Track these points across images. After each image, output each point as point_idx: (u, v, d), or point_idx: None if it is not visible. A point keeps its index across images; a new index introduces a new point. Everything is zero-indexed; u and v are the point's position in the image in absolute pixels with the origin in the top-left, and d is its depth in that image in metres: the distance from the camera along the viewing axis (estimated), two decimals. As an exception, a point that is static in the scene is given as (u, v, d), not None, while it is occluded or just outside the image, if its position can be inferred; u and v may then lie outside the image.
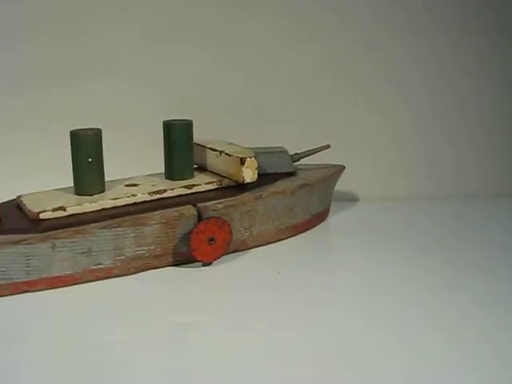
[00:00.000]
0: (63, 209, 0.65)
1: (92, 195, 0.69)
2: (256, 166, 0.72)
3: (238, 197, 0.72)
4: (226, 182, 0.74)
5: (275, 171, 0.80)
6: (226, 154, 0.74)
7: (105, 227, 0.64)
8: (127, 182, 0.74)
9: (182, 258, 0.69)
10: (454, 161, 0.97)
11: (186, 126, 0.74)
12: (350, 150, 0.93)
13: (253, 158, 0.72)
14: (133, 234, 0.66)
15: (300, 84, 0.92)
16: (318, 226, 0.83)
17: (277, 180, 0.78)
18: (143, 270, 0.67)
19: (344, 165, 0.87)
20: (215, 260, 0.69)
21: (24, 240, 0.61)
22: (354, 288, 0.64)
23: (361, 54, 0.93)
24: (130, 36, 0.88)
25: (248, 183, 0.73)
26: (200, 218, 0.68)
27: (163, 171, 0.76)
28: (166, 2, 0.88)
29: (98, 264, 0.65)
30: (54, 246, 0.62)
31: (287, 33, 0.91)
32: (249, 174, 0.72)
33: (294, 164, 0.82)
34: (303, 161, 0.85)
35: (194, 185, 0.72)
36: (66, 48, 0.86)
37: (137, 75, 0.89)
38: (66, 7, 0.85)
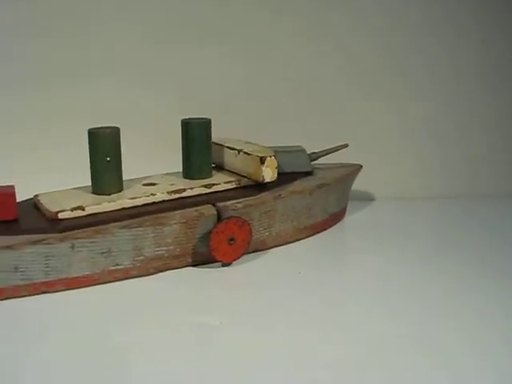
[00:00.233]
0: (82, 208, 0.64)
1: (110, 194, 0.68)
2: (276, 165, 0.71)
3: (257, 196, 0.71)
4: (244, 182, 0.73)
5: (293, 170, 0.79)
6: (245, 152, 0.73)
7: (125, 227, 0.63)
8: (145, 181, 0.73)
9: (201, 259, 0.68)
10: (469, 160, 0.96)
11: (205, 125, 0.73)
12: (365, 149, 0.92)
13: (273, 157, 0.71)
14: (152, 234, 0.65)
15: (316, 83, 0.91)
16: (335, 226, 0.82)
17: (295, 179, 0.77)
18: (162, 271, 0.67)
19: (362, 164, 0.86)
20: (235, 260, 0.68)
21: (43, 240, 0.60)
22: (372, 288, 0.63)
23: (377, 54, 0.92)
24: (148, 35, 0.87)
25: (267, 183, 0.72)
26: (219, 217, 0.68)
27: (179, 170, 0.76)
28: (181, 0, 0.87)
29: (117, 264, 0.64)
30: (73, 246, 0.61)
31: (304, 32, 0.90)
32: (269, 174, 0.71)
33: (312, 163, 0.81)
34: (319, 160, 0.84)
35: (213, 184, 0.71)
36: (84, 47, 0.86)
37: (154, 74, 0.88)
38: (80, 5, 0.85)
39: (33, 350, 0.52)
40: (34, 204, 0.69)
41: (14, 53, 0.84)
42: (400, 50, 0.92)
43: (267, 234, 0.73)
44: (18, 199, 0.68)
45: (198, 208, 0.68)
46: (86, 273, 0.63)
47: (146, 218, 0.65)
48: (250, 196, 0.71)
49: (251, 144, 0.77)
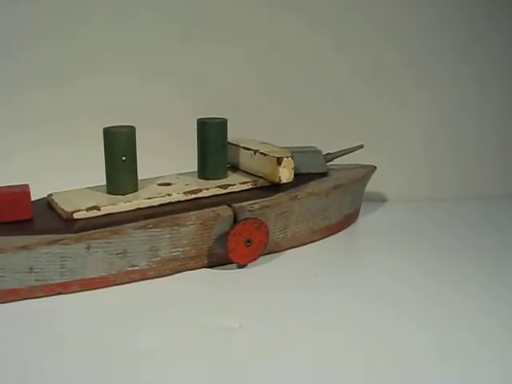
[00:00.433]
0: (97, 208, 0.64)
1: (125, 194, 0.67)
2: (293, 166, 0.70)
3: (273, 197, 0.70)
4: (260, 182, 0.72)
5: (308, 171, 0.78)
6: (262, 153, 0.72)
7: (141, 227, 0.62)
8: (159, 181, 0.72)
9: (217, 260, 0.67)
10: (481, 161, 0.96)
11: (221, 125, 0.72)
12: (377, 150, 0.91)
13: (290, 158, 0.70)
14: (169, 235, 0.64)
15: (330, 84, 0.91)
16: (350, 228, 0.82)
17: (309, 180, 0.76)
18: (178, 272, 0.66)
19: (375, 165, 0.85)
20: (251, 262, 0.68)
21: (59, 240, 0.59)
22: (388, 289, 0.63)
23: (391, 55, 0.91)
24: (162, 34, 0.86)
25: (283, 183, 0.71)
26: (236, 218, 0.67)
27: (192, 170, 0.75)
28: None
29: (133, 266, 0.63)
30: (89, 247, 0.60)
31: (319, 33, 0.89)
32: (285, 174, 0.70)
33: (327, 164, 0.81)
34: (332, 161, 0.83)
35: (229, 185, 0.71)
36: (99, 45, 0.85)
37: (168, 73, 0.87)
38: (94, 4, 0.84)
39: (47, 352, 0.51)
40: (47, 203, 0.68)
41: (28, 49, 0.83)
42: (414, 50, 0.91)
43: (282, 235, 0.72)
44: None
45: (215, 209, 0.67)
46: (102, 274, 0.62)
47: (163, 218, 0.64)
48: (265, 197, 0.70)
49: (267, 144, 0.76)
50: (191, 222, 0.65)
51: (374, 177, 0.86)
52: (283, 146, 0.77)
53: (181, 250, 0.65)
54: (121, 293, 0.62)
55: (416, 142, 0.94)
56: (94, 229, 0.61)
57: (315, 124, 0.90)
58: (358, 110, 0.92)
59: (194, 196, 0.68)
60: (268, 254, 0.70)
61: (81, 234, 0.60)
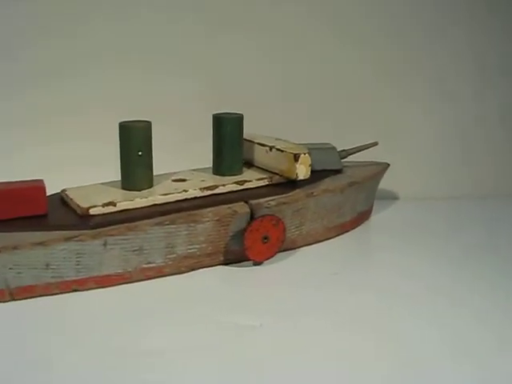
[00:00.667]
0: (113, 204, 0.63)
1: (140, 190, 0.66)
2: (309, 162, 0.69)
3: (289, 194, 0.69)
4: (276, 179, 0.72)
5: (323, 168, 0.77)
6: (278, 149, 0.71)
7: (158, 224, 0.61)
8: (174, 177, 0.71)
9: (233, 257, 0.67)
10: (494, 160, 0.95)
11: (237, 120, 0.71)
12: (390, 148, 0.90)
13: (307, 155, 0.69)
14: (185, 232, 0.63)
15: (344, 82, 0.90)
16: (363, 225, 0.81)
17: (324, 177, 0.76)
18: (193, 269, 0.65)
19: (388, 162, 0.85)
20: (267, 259, 0.67)
21: (75, 237, 0.58)
22: (404, 288, 0.63)
23: (407, 55, 0.91)
24: (178, 27, 0.85)
25: (300, 180, 0.70)
26: (252, 215, 0.66)
27: (205, 165, 0.74)
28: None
29: (149, 263, 0.62)
30: (105, 244, 0.60)
31: (337, 32, 0.88)
32: (302, 171, 0.69)
33: (341, 161, 0.80)
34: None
35: (246, 181, 0.70)
36: (116, 39, 0.84)
37: (183, 67, 0.86)
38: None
39: (62, 349, 0.50)
40: (61, 199, 0.67)
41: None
42: (428, 50, 0.91)
43: (298, 232, 0.71)
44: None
45: (231, 205, 0.66)
46: (118, 271, 0.61)
47: (179, 215, 0.63)
48: (282, 193, 0.69)
49: (282, 141, 0.75)
50: (208, 219, 0.64)
51: (386, 174, 0.86)
52: (297, 142, 0.76)
53: (197, 246, 0.64)
54: (136, 290, 0.61)
55: (429, 139, 0.94)
56: (111, 225, 0.60)
57: (328, 121, 0.89)
58: (371, 108, 0.91)
59: (210, 192, 0.67)
60: (283, 251, 0.70)
61: (97, 230, 0.59)
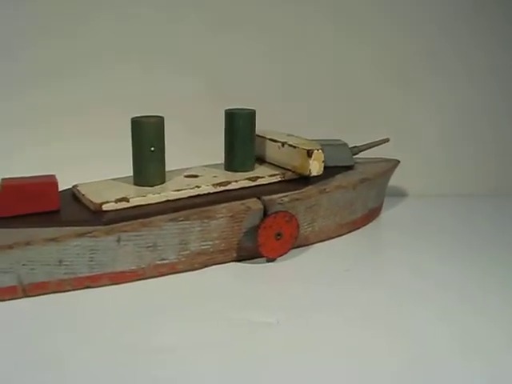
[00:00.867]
0: (126, 200, 0.62)
1: (153, 186, 0.65)
2: (323, 158, 0.69)
3: (302, 190, 0.69)
4: (288, 175, 0.71)
5: (335, 164, 0.76)
6: (290, 145, 0.71)
7: (172, 220, 0.61)
8: (186, 173, 0.70)
9: (246, 253, 0.66)
10: (504, 158, 0.95)
11: (249, 116, 0.70)
12: (400, 144, 0.90)
13: (320, 151, 0.68)
14: (199, 228, 0.62)
15: (355, 80, 0.90)
16: (374, 222, 0.81)
17: (336, 173, 0.75)
18: (207, 266, 0.64)
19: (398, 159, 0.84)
20: (281, 256, 0.66)
21: (89, 233, 0.58)
22: (414, 285, 0.62)
23: (416, 52, 0.90)
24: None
25: (313, 176, 0.70)
26: (265, 211, 0.65)
27: (216, 161, 0.73)
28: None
29: (163, 259, 0.62)
30: (119, 240, 0.59)
31: (344, 29, 0.88)
32: (315, 167, 0.69)
33: (353, 157, 0.79)
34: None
35: (258, 177, 0.69)
36: (128, 35, 0.84)
37: (194, 63, 0.85)
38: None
39: (74, 346, 0.50)
40: (72, 194, 0.66)
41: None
42: (438, 47, 0.91)
43: (310, 229, 0.70)
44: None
45: (245, 201, 0.65)
46: (132, 267, 0.60)
47: (193, 211, 0.63)
48: (294, 190, 0.69)
49: (294, 137, 0.74)
50: (222, 215, 0.63)
51: (395, 171, 0.85)
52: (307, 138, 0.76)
53: (210, 243, 0.64)
54: (149, 286, 0.61)
55: (438, 137, 0.93)
56: (124, 221, 0.60)
57: (332, 120, 0.89)
58: (381, 107, 0.91)
59: (223, 188, 0.67)
60: (296, 247, 0.69)
61: (111, 226, 0.59)
